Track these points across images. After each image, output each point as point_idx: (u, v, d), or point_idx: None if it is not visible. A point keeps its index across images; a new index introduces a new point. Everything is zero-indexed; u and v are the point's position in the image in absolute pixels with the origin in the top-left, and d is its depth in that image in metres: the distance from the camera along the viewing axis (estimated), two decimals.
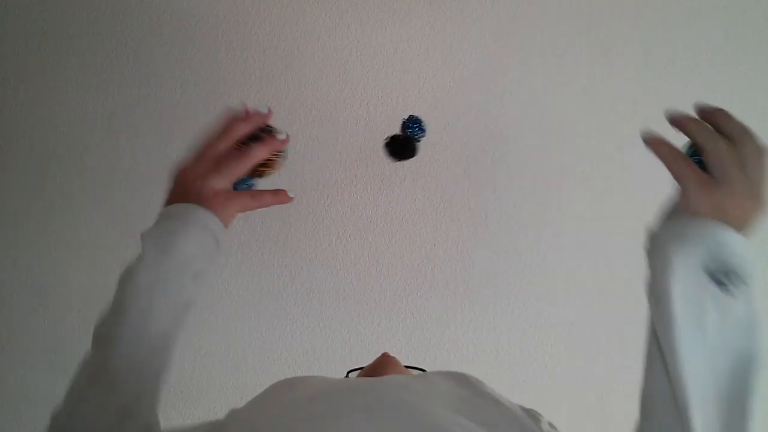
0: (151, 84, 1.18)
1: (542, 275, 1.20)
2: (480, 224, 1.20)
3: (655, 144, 0.52)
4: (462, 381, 0.56)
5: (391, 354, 0.79)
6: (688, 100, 1.21)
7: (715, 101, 1.27)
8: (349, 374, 0.85)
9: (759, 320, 0.44)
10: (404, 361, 0.82)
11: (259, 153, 0.65)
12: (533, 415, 0.50)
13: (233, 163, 0.62)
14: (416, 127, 0.85)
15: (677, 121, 0.51)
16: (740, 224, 0.46)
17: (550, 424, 0.50)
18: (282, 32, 1.17)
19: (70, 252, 1.21)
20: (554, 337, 1.22)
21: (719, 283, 0.44)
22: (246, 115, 0.67)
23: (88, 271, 1.22)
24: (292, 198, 0.66)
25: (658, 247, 0.51)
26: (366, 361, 0.86)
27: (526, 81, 1.18)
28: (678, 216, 0.49)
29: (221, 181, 0.62)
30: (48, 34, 1.17)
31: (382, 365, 0.74)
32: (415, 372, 0.82)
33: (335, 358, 1.24)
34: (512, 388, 1.23)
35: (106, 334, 0.55)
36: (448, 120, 1.18)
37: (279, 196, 0.66)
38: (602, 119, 1.19)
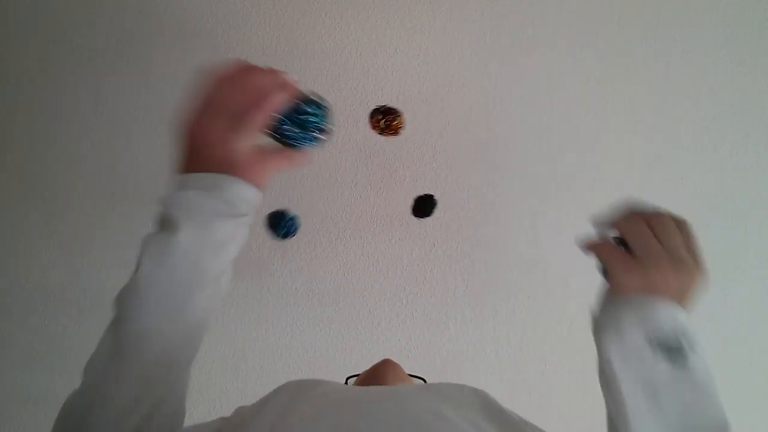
0: (151, 84, 1.18)
1: (542, 275, 1.20)
2: (480, 225, 1.19)
3: (589, 248, 0.52)
4: (482, 396, 0.55)
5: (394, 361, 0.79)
6: (689, 100, 1.21)
7: (714, 101, 1.27)
8: (348, 381, 0.85)
9: (711, 383, 0.44)
10: (405, 369, 0.82)
11: (279, 96, 0.54)
12: None
13: (254, 112, 0.51)
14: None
15: (604, 224, 0.53)
16: (674, 296, 0.47)
17: None
18: (282, 32, 1.17)
19: (71, 252, 1.21)
20: (554, 336, 1.22)
21: (669, 351, 0.45)
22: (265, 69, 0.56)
23: (88, 271, 1.22)
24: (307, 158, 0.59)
25: (597, 335, 0.50)
26: (365, 363, 0.86)
27: (527, 81, 1.18)
28: (611, 301, 0.50)
29: (248, 139, 0.51)
30: (48, 34, 1.17)
31: (383, 369, 0.74)
32: (416, 381, 0.82)
33: (335, 358, 1.24)
34: (512, 388, 1.23)
35: (137, 326, 0.50)
36: (448, 120, 1.18)
37: (302, 154, 0.58)
38: (602, 119, 1.19)
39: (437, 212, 1.19)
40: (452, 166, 1.18)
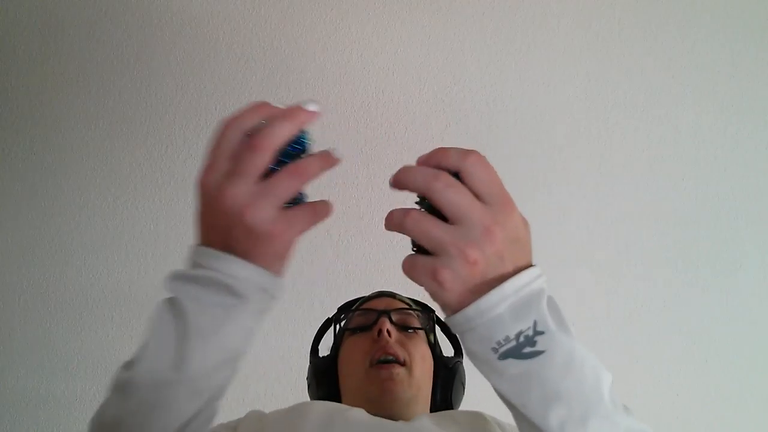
0: (151, 85, 1.18)
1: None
2: None
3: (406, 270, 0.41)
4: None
5: (387, 323, 0.74)
6: (689, 100, 1.21)
7: (714, 101, 1.27)
8: (344, 313, 0.83)
9: (578, 358, 0.38)
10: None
11: (315, 169, 0.48)
12: None
13: (285, 182, 0.45)
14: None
15: (397, 182, 0.41)
16: (510, 264, 0.38)
17: None
18: (283, 33, 1.17)
19: (71, 253, 1.21)
20: None
21: (517, 351, 0.38)
22: (286, 112, 0.48)
23: (88, 271, 1.21)
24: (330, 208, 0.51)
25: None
26: None
27: (527, 81, 1.18)
28: (449, 321, 0.40)
29: (273, 210, 0.43)
30: (48, 35, 1.17)
31: (387, 388, 0.72)
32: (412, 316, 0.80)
33: None
34: None
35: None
36: (448, 120, 1.18)
37: (325, 203, 0.51)
38: (602, 119, 1.19)
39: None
40: None
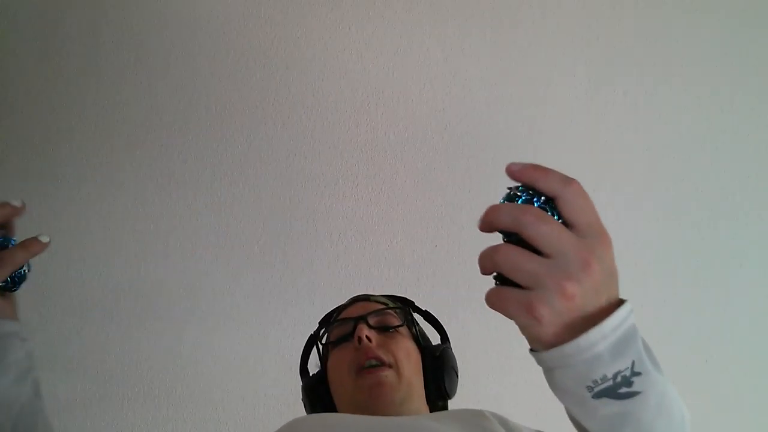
0: (151, 86, 1.18)
1: None
2: None
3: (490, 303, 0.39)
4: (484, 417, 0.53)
5: (365, 328, 0.73)
6: (689, 101, 1.21)
7: (714, 101, 1.26)
8: (324, 327, 0.82)
9: (668, 399, 0.39)
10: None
11: (19, 257, 0.60)
12: None
13: None
14: None
15: (485, 225, 0.39)
16: (602, 299, 0.37)
17: None
18: (283, 34, 1.17)
19: (71, 253, 1.21)
20: None
21: (612, 391, 0.37)
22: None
23: (88, 271, 1.21)
24: (46, 243, 0.63)
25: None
26: None
27: (527, 82, 1.18)
28: (538, 357, 0.40)
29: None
30: (49, 36, 1.17)
31: (374, 392, 0.71)
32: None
33: None
34: (515, 388, 1.23)
35: None
36: (449, 121, 1.18)
37: (35, 240, 0.62)
38: (603, 120, 1.19)
39: (438, 213, 1.19)
40: (453, 167, 1.18)
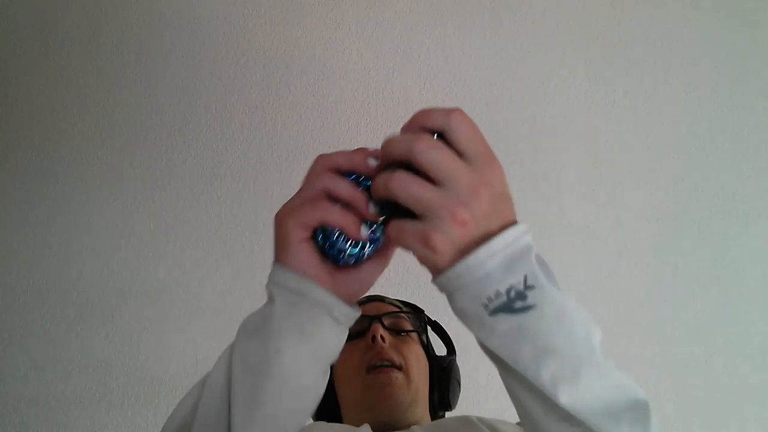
0: (152, 86, 1.18)
1: None
2: None
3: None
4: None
5: (379, 326, 0.74)
6: (689, 100, 1.21)
7: (715, 101, 1.26)
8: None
9: (568, 314, 0.38)
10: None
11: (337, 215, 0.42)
12: None
13: (317, 206, 0.43)
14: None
15: (382, 157, 0.40)
16: (494, 218, 0.38)
17: None
18: (283, 33, 1.17)
19: (71, 252, 1.21)
20: None
21: (508, 306, 0.37)
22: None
23: (88, 271, 1.22)
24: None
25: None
26: None
27: (527, 82, 1.18)
28: (438, 283, 0.41)
29: (298, 216, 0.43)
30: (49, 36, 1.17)
31: (383, 391, 0.71)
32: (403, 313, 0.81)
33: None
34: None
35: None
36: None
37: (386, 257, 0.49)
38: (602, 120, 1.19)
39: None
40: None
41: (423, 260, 0.40)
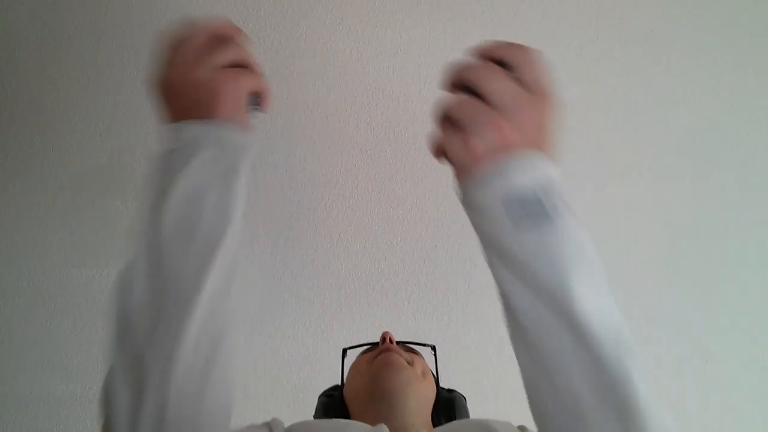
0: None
1: None
2: None
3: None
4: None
5: (391, 333, 0.79)
6: (689, 100, 1.21)
7: (714, 101, 1.27)
8: (347, 351, 0.85)
9: (582, 248, 0.39)
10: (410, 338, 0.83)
11: (237, 34, 0.52)
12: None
13: (216, 45, 0.49)
14: None
15: (447, 83, 0.45)
16: (536, 142, 0.41)
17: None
18: (283, 33, 1.17)
19: (71, 253, 1.21)
20: None
21: (527, 215, 0.39)
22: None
23: (88, 271, 1.21)
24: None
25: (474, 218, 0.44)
26: None
27: None
28: (466, 179, 0.42)
29: (210, 61, 0.47)
30: (48, 36, 1.17)
31: (386, 375, 0.73)
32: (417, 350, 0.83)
33: (337, 359, 1.23)
34: (515, 389, 1.23)
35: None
36: None
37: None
38: (602, 119, 1.19)
39: (439, 213, 1.19)
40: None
41: (460, 165, 0.42)
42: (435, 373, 0.83)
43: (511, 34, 1.17)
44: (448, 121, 0.41)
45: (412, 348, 0.83)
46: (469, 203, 0.43)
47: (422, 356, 0.82)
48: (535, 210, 0.38)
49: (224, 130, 0.46)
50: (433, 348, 0.86)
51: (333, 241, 1.20)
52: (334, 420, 0.71)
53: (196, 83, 0.46)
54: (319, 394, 0.85)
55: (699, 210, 1.22)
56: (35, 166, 1.20)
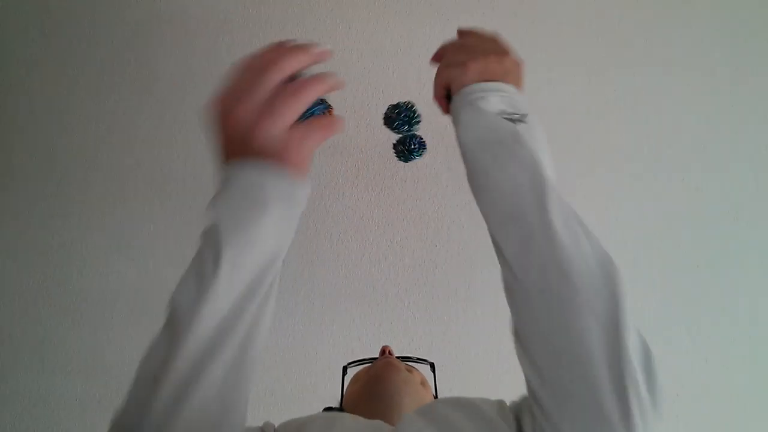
0: (152, 86, 1.18)
1: None
2: (481, 225, 1.19)
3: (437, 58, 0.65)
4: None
5: (390, 347, 0.80)
6: (689, 100, 1.21)
7: (714, 101, 1.26)
8: (348, 368, 0.85)
9: (541, 137, 0.56)
10: (408, 352, 0.83)
11: (316, 88, 0.48)
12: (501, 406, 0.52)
13: (290, 100, 0.46)
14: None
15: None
16: (503, 77, 0.61)
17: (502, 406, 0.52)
18: (283, 33, 1.17)
19: (71, 253, 1.21)
20: None
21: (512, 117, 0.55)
22: (298, 48, 0.50)
23: (87, 271, 1.22)
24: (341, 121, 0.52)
25: (455, 127, 0.60)
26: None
27: (527, 80, 1.18)
28: (459, 93, 0.59)
29: (283, 120, 0.45)
30: (49, 36, 1.17)
31: (386, 374, 0.73)
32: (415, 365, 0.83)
33: (337, 359, 1.23)
34: (515, 389, 1.23)
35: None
36: (449, 120, 1.17)
37: (334, 118, 0.52)
38: (602, 120, 1.19)
39: (439, 213, 1.19)
40: (453, 167, 1.18)
41: (454, 81, 0.59)
42: (434, 389, 0.83)
43: (512, 33, 1.17)
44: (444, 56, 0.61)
45: (411, 359, 0.83)
46: (458, 118, 0.58)
47: (421, 373, 0.82)
48: (512, 103, 0.57)
49: (295, 188, 0.48)
50: (432, 365, 0.86)
51: (333, 242, 1.20)
52: (323, 413, 0.71)
53: (263, 143, 0.45)
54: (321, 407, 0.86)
55: (699, 208, 1.22)
56: (35, 166, 1.20)
